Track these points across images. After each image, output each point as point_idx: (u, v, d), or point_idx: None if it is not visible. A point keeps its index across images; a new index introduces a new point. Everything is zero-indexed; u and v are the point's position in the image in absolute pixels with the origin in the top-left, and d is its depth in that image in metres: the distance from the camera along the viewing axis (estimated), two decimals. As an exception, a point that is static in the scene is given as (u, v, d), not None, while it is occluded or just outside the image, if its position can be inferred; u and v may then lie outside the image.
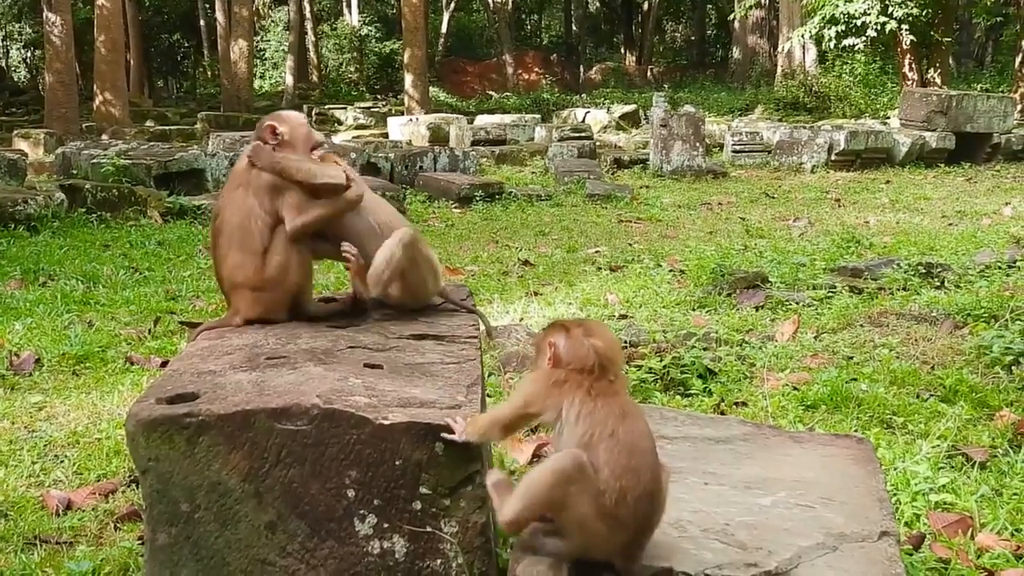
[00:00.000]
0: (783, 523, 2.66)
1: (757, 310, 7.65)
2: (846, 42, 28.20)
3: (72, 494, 4.23)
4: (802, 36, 29.00)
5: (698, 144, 19.81)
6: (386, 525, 2.82)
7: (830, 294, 7.93)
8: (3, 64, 49.17)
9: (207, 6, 43.60)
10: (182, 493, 2.84)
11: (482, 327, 3.65)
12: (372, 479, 2.80)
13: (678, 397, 5.47)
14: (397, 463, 2.79)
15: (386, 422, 2.78)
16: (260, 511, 2.83)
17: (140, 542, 3.57)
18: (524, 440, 4.69)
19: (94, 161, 14.66)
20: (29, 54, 49.09)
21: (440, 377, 3.14)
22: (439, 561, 2.83)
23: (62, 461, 4.61)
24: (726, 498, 2.79)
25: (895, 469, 4.19)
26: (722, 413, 5.22)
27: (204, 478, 2.83)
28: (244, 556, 2.85)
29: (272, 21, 48.94)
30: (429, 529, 2.82)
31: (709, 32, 55.73)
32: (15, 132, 25.30)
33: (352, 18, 48.19)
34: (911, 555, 3.37)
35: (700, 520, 2.65)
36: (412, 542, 2.82)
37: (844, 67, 33.88)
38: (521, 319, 7.59)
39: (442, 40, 51.29)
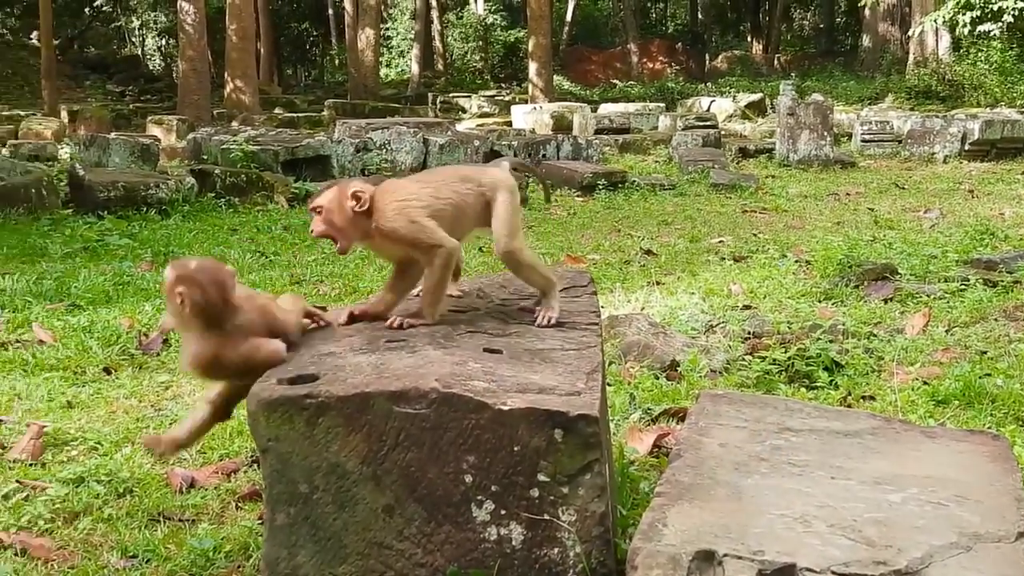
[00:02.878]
0: (914, 521, 2.56)
1: (886, 302, 7.46)
2: (981, 28, 27.38)
3: (195, 472, 4.29)
4: (934, 22, 28.24)
5: (826, 133, 19.44)
6: (503, 511, 2.80)
7: (963, 287, 7.69)
8: (139, 52, 50.42)
9: (337, -5, 44.22)
10: (301, 474, 2.85)
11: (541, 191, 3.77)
12: (490, 465, 2.78)
13: (803, 390, 5.36)
14: (515, 449, 2.76)
15: (505, 407, 2.75)
16: (378, 494, 2.82)
17: (260, 522, 3.61)
18: (644, 430, 4.62)
19: (224, 147, 14.95)
20: (164, 42, 50.19)
21: (560, 363, 3.10)
22: (556, 550, 2.80)
23: (187, 440, 4.69)
24: (854, 493, 2.70)
25: (1032, 468, 4.04)
26: (849, 407, 5.09)
27: (323, 459, 2.83)
28: (361, 539, 2.85)
29: (399, 10, 49.30)
30: (547, 517, 2.78)
31: (838, 20, 54.59)
32: (149, 118, 25.95)
33: (478, 7, 48.32)
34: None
35: (826, 515, 2.56)
36: (529, 529, 2.79)
37: (979, 54, 32.85)
38: (643, 308, 7.52)
39: (567, 29, 51.13)
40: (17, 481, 4.16)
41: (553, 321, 3.49)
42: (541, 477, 2.77)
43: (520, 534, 2.80)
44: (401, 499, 2.82)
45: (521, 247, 3.60)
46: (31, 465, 4.39)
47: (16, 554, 3.57)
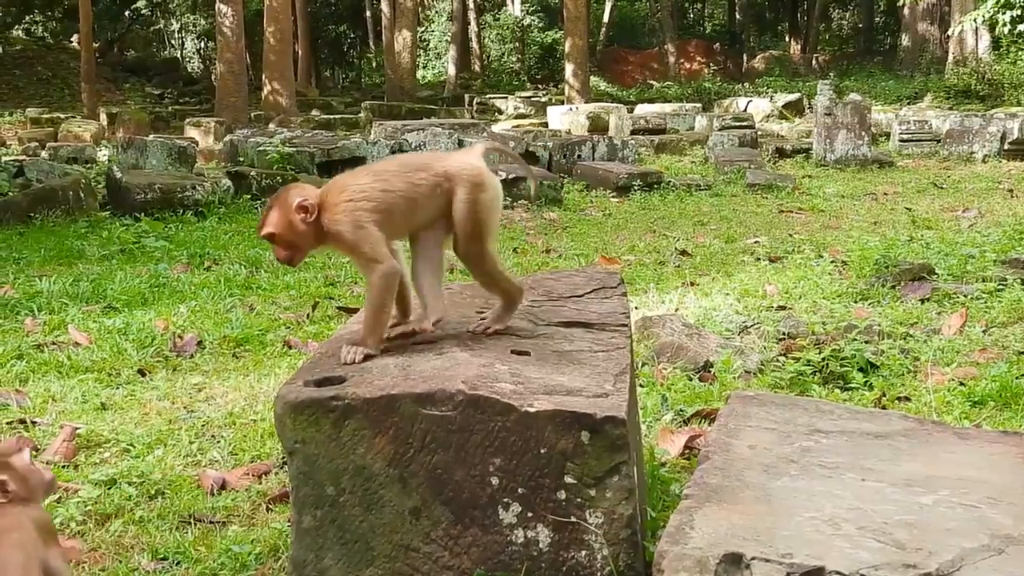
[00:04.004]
0: (945, 523, 2.52)
1: (923, 303, 7.38)
2: (1022, 27, 27.07)
3: (227, 474, 4.30)
4: (974, 21, 27.97)
5: (863, 133, 19.31)
6: (530, 514, 2.79)
7: (1001, 287, 7.58)
8: (178, 55, 50.76)
9: (374, -3, 44.36)
10: (328, 476, 2.85)
11: (530, 184, 3.52)
12: (517, 467, 2.77)
13: (837, 391, 5.30)
14: (542, 451, 2.75)
15: (531, 410, 2.74)
16: (404, 496, 2.82)
17: (290, 524, 3.61)
18: (676, 432, 4.59)
19: (260, 149, 15.02)
20: (203, 45, 50.48)
21: (588, 365, 3.08)
22: (584, 553, 2.78)
23: (218, 442, 4.70)
24: (885, 495, 2.66)
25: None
26: (883, 408, 5.04)
27: (349, 462, 2.83)
28: (388, 541, 2.84)
29: (436, 11, 49.39)
30: (574, 519, 2.76)
31: (877, 19, 54.20)
32: (187, 120, 26.12)
33: (515, 8, 48.33)
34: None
35: (856, 518, 2.53)
36: (556, 532, 2.78)
37: (1019, 53, 32.52)
38: (677, 309, 7.49)
39: (604, 30, 51.04)
40: (50, 483, 4.18)
41: (491, 331, 3.34)
42: (568, 479, 2.76)
43: (547, 537, 2.79)
44: (428, 502, 2.81)
45: (481, 252, 3.31)
46: (64, 467, 4.42)
47: (49, 555, 3.59)
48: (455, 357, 3.05)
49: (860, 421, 3.15)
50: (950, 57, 36.24)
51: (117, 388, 5.59)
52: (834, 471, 2.80)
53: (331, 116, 29.19)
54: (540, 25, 47.95)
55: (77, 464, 4.47)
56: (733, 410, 3.22)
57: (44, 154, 19.36)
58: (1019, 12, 26.73)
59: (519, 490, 2.78)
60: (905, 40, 43.20)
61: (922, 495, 2.67)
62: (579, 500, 2.76)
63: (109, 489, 4.14)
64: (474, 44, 47.30)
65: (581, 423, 2.72)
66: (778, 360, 5.75)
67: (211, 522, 3.88)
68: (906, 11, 40.73)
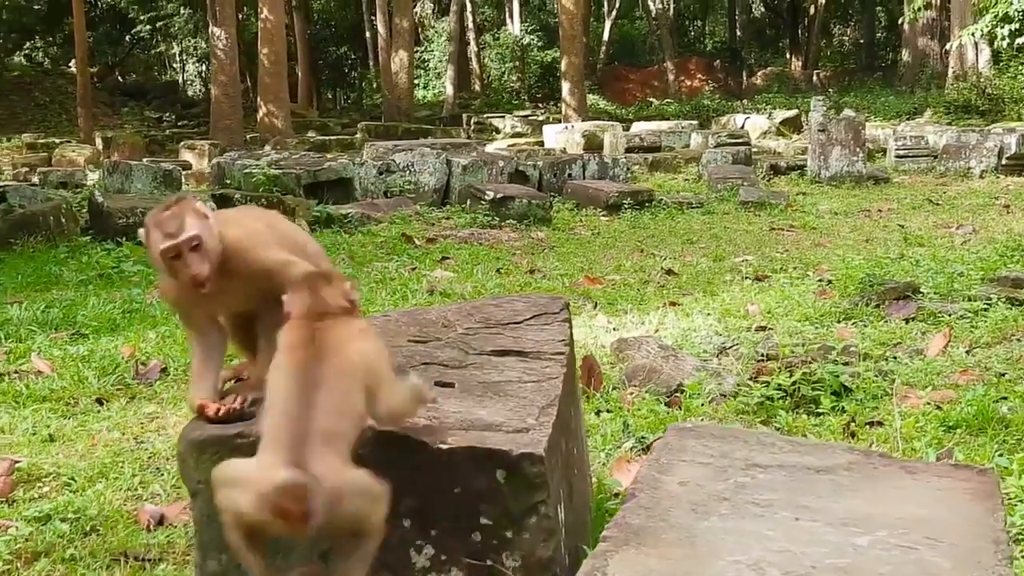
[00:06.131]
0: (878, 567, 2.36)
1: (907, 322, 7.22)
2: (1020, 40, 26.91)
3: (166, 509, 4.16)
4: (972, 35, 27.82)
5: (858, 149, 19.15)
6: (444, 557, 2.63)
7: (986, 306, 7.41)
8: (179, 78, 50.82)
9: (373, 18, 44.22)
10: (233, 518, 2.69)
11: None
12: (430, 508, 2.62)
13: (805, 416, 5.14)
14: (456, 491, 2.59)
15: (444, 447, 2.60)
16: (313, 539, 2.66)
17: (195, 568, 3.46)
18: (632, 460, 4.43)
19: (246, 171, 14.90)
20: (203, 68, 50.51)
21: (514, 397, 2.93)
22: (501, 597, 2.62)
23: (162, 474, 4.55)
24: (818, 537, 2.50)
25: (1032, 505, 3.81)
26: (852, 435, 4.88)
27: (256, 503, 2.67)
28: (296, 586, 2.68)
29: (435, 32, 49.34)
30: (490, 563, 2.61)
31: (878, 35, 54.10)
32: (182, 143, 26.05)
33: (514, 27, 48.28)
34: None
35: (783, 562, 2.37)
36: (472, 576, 2.62)
37: (1020, 67, 32.37)
38: (656, 330, 7.33)
39: (604, 48, 51.00)
40: (-20, 520, 4.04)
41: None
42: (484, 520, 2.60)
43: (463, 581, 2.63)
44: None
45: None
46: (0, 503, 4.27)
47: (-31, 598, 3.45)
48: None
49: (802, 454, 2.98)
50: (950, 72, 36.08)
51: (70, 418, 5.45)
52: (767, 509, 2.63)
53: (327, 137, 29.12)
54: (540, 44, 47.83)
55: (14, 500, 4.32)
56: (668, 443, 3.05)
57: (35, 179, 19.28)
58: (1017, 26, 26.57)
59: (432, 532, 2.62)
60: (905, 55, 43.07)
61: (858, 536, 2.51)
62: (495, 542, 2.60)
63: (43, 525, 4.00)
64: (474, 64, 47.24)
65: (496, 461, 2.57)
66: (747, 384, 5.58)
67: (144, 559, 3.74)
68: (906, 27, 40.61)
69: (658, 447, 3.06)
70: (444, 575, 2.62)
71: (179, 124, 36.55)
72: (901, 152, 21.55)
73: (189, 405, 2.98)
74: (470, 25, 46.62)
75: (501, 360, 3.25)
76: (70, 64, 39.47)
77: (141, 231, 3.03)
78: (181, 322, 3.09)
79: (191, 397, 2.99)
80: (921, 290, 7.99)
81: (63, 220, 12.07)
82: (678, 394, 5.58)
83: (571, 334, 3.60)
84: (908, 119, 31.99)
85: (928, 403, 5.27)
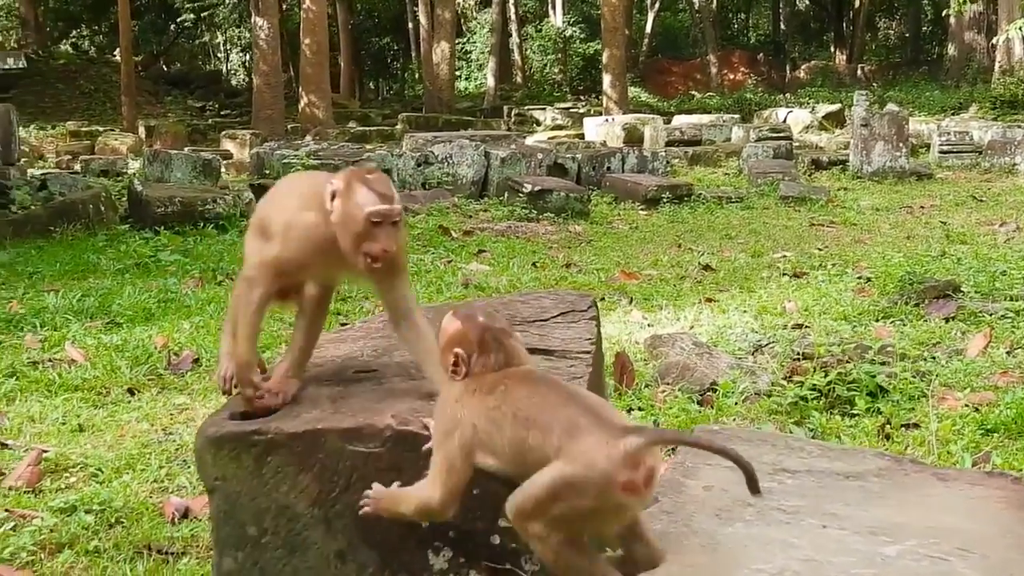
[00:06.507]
0: (906, 578, 2.30)
1: (947, 321, 7.12)
2: (1069, 34, 26.54)
3: (191, 501, 4.15)
4: (1020, 29, 27.43)
5: (901, 144, 18.94)
6: (462, 559, 2.58)
7: (1028, 305, 7.31)
8: (223, 68, 51.02)
9: (415, 9, 44.22)
10: (249, 516, 2.66)
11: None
12: (448, 509, 2.56)
13: (838, 417, 5.06)
14: (475, 492, 2.53)
15: (463, 447, 2.54)
16: (330, 539, 2.63)
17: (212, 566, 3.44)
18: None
19: (284, 161, 14.94)
20: (247, 58, 50.69)
21: (537, 397, 2.87)
22: (519, 602, 2.57)
23: (189, 466, 4.53)
24: (845, 545, 2.43)
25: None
26: (887, 437, 4.80)
27: (272, 500, 2.64)
28: (312, 586, 2.65)
29: (478, 23, 49.27)
30: (508, 566, 2.56)
31: (924, 28, 53.53)
32: (223, 133, 26.14)
33: (557, 19, 48.12)
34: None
35: (807, 571, 2.30)
36: (490, 579, 2.57)
37: (1069, 63, 31.93)
38: (691, 327, 7.27)
39: (647, 40, 50.77)
40: (6, 510, 4.04)
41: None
42: (502, 523, 2.54)
43: (481, 584, 2.58)
44: (354, 544, 2.62)
45: None
46: (26, 493, 4.27)
47: (-8, 588, 3.44)
48: (393, 388, 2.85)
49: (831, 460, 2.91)
50: (996, 67, 35.61)
51: (100, 408, 5.45)
52: (794, 516, 2.57)
53: (367, 128, 29.12)
54: (582, 36, 47.65)
55: (40, 490, 4.32)
56: (693, 446, 2.99)
57: (77, 167, 19.40)
58: (1066, 20, 26.19)
59: (450, 533, 2.57)
60: (952, 49, 42.55)
61: (886, 545, 2.44)
62: (514, 546, 2.55)
63: (68, 516, 3.99)
64: (516, 55, 47.15)
65: (516, 463, 2.51)
66: (781, 384, 5.50)
67: (167, 553, 3.73)
68: (952, 20, 40.13)
69: (683, 450, 3.00)
70: (462, 578, 2.58)
71: (222, 114, 36.66)
72: (945, 147, 21.30)
73: (236, 359, 2.85)
74: (512, 16, 46.53)
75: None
76: (115, 53, 39.67)
77: (335, 183, 2.75)
78: (263, 277, 2.85)
79: (241, 352, 2.84)
80: (962, 289, 7.88)
81: (102, 208, 12.12)
82: (711, 393, 5.51)
83: (598, 332, 3.54)
84: (953, 114, 31.60)
85: (966, 405, 5.19)
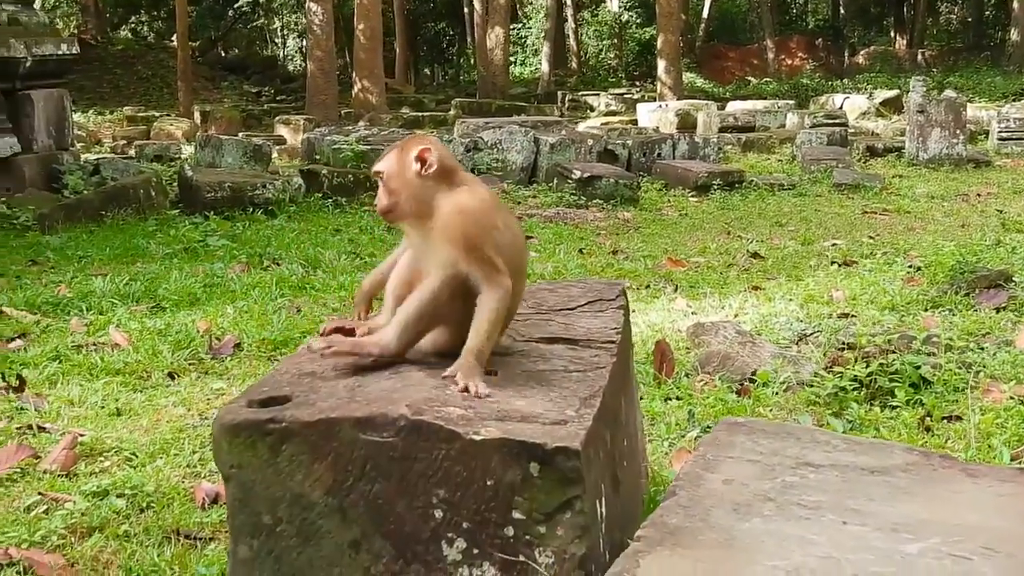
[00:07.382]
0: (926, 578, 2.24)
1: (997, 311, 6.98)
2: None
3: (221, 487, 4.13)
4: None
5: (958, 131, 18.61)
6: (476, 551, 2.55)
7: (1084, 296, 7.15)
8: (279, 53, 51.25)
9: (471, -6, 44.24)
10: (264, 504, 2.65)
11: None
12: (461, 500, 2.53)
13: (879, 409, 4.96)
14: (488, 483, 2.51)
15: (477, 437, 2.51)
16: (344, 528, 2.61)
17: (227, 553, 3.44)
18: (693, 451, 4.31)
19: (335, 147, 14.98)
20: (304, 43, 50.92)
21: (557, 387, 2.84)
22: (533, 594, 2.54)
23: (221, 452, 4.54)
24: (865, 542, 2.37)
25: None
26: (928, 429, 4.71)
27: (287, 489, 2.63)
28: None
29: (533, 8, 49.14)
30: (522, 558, 2.52)
31: (987, 13, 52.62)
32: (277, 118, 26.27)
33: (613, 4, 47.91)
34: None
35: (824, 568, 2.25)
36: (503, 571, 2.53)
37: None
38: (736, 315, 7.19)
39: (703, 25, 50.39)
40: (40, 493, 4.06)
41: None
42: (516, 515, 2.51)
43: None
44: (368, 534, 2.59)
45: None
46: (60, 476, 4.29)
47: (21, 572, 3.46)
48: (410, 377, 2.83)
49: (857, 454, 2.84)
50: (1060, 52, 35.05)
51: (139, 392, 5.48)
52: (814, 512, 2.51)
53: (420, 113, 29.14)
54: (638, 21, 47.39)
55: (75, 473, 4.34)
56: (716, 439, 2.94)
57: (131, 152, 19.57)
58: None
59: (464, 524, 2.54)
60: (1015, 35, 41.86)
61: (908, 542, 2.38)
62: (528, 537, 2.52)
63: (100, 501, 4.00)
64: (571, 41, 46.99)
65: (530, 454, 2.48)
66: (821, 374, 5.42)
67: (196, 539, 3.73)
68: (1016, 5, 39.48)
69: (705, 442, 2.95)
70: (476, 569, 2.54)
71: (277, 99, 36.84)
72: (1004, 134, 20.93)
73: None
74: (568, 2, 46.36)
75: (549, 348, 3.15)
76: (173, 39, 40.04)
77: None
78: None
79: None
80: (1014, 279, 7.71)
81: (153, 193, 12.20)
82: (749, 383, 5.44)
83: (626, 321, 3.50)
84: (1014, 100, 31.09)
85: (1011, 397, 5.07)
